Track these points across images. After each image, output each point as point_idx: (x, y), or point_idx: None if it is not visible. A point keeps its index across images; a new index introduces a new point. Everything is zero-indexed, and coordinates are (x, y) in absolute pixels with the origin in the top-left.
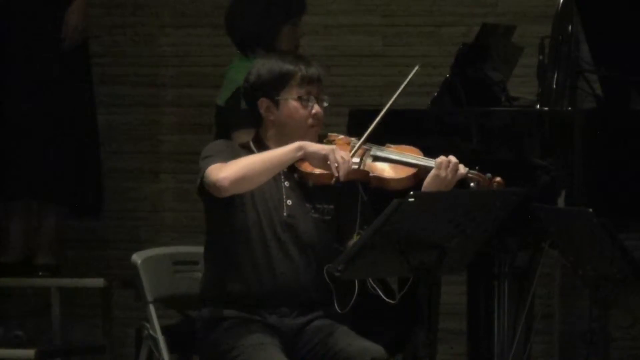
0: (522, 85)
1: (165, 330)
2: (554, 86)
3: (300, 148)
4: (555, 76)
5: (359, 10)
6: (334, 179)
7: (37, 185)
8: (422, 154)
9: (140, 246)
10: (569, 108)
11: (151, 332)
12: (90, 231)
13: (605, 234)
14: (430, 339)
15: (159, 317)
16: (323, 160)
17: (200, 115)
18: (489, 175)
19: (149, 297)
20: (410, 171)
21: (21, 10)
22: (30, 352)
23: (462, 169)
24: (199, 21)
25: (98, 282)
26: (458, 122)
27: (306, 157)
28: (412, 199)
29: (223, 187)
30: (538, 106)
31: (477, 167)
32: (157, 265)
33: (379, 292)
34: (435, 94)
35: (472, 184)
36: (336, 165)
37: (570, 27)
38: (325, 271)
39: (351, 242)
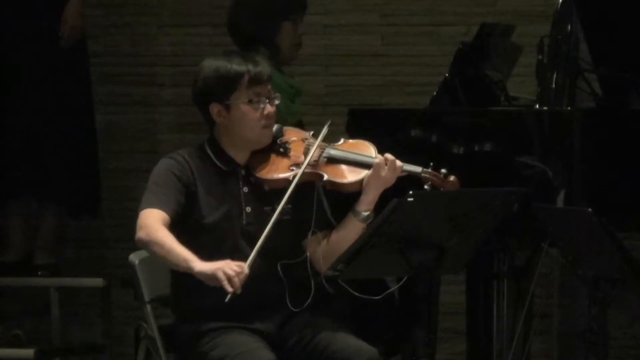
0: (522, 85)
1: (162, 329)
2: (553, 86)
3: (189, 268)
4: (555, 76)
5: (358, 9)
6: (227, 297)
7: (36, 184)
8: (375, 149)
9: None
10: (568, 107)
11: (149, 331)
12: (89, 231)
13: (604, 234)
14: (429, 339)
15: (157, 316)
16: (212, 279)
17: (198, 115)
18: (443, 171)
19: (147, 297)
20: (363, 173)
21: (19, 10)
22: (30, 352)
23: (399, 164)
24: (198, 21)
25: (97, 281)
26: (457, 121)
27: (196, 276)
28: (412, 199)
29: (137, 237)
30: (537, 106)
31: (432, 164)
32: (154, 265)
33: (348, 288)
34: (434, 94)
35: (426, 186)
36: (228, 281)
37: (569, 27)
38: (279, 267)
39: (306, 241)
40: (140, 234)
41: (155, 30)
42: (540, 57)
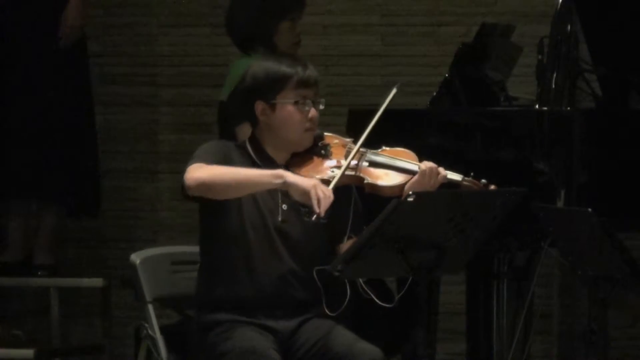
0: (522, 85)
1: (163, 330)
2: (553, 86)
3: (280, 177)
4: (555, 76)
5: (358, 9)
6: (314, 216)
7: (36, 184)
8: (416, 157)
9: (139, 246)
10: (568, 108)
11: (150, 331)
12: (89, 231)
13: (604, 234)
14: (429, 339)
15: (158, 316)
16: (303, 194)
17: (198, 115)
18: (483, 181)
19: (148, 297)
20: (404, 178)
21: (19, 9)
22: (30, 352)
23: (443, 173)
24: (198, 21)
25: (97, 281)
26: (457, 121)
27: (285, 187)
28: (412, 199)
29: (189, 185)
30: (537, 106)
31: (472, 174)
32: (155, 265)
33: (372, 296)
34: (435, 94)
35: None
36: (317, 201)
37: (569, 27)
38: (315, 273)
39: (342, 246)
40: (197, 173)
41: (155, 31)
42: (540, 57)
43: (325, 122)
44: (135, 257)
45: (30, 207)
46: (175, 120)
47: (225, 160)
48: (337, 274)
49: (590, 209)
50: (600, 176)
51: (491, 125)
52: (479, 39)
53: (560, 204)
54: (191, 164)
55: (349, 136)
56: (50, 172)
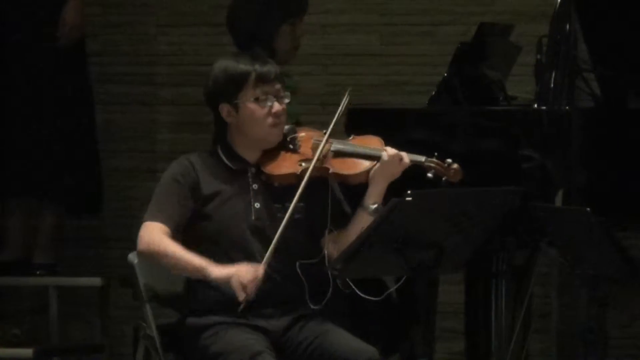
0: (520, 85)
1: (161, 329)
2: (552, 85)
3: (204, 275)
4: (553, 75)
5: (357, 9)
6: (241, 307)
7: (36, 183)
8: (382, 142)
9: None
10: (567, 107)
11: (148, 331)
12: (88, 230)
13: (603, 233)
14: (427, 338)
15: (157, 316)
16: (227, 285)
17: (197, 114)
18: (448, 161)
19: (146, 297)
20: (368, 165)
21: (18, 9)
22: (28, 351)
23: (406, 158)
24: (197, 20)
25: (96, 281)
26: (456, 121)
27: (215, 281)
28: (410, 198)
29: (139, 250)
30: (536, 105)
31: (435, 154)
32: (153, 265)
33: (355, 289)
34: (433, 93)
35: (429, 174)
36: (240, 290)
37: (568, 26)
38: (297, 266)
39: (323, 240)
40: (142, 247)
41: (154, 30)
42: (539, 56)
43: (325, 121)
44: (133, 257)
45: (29, 207)
46: (174, 119)
47: (188, 188)
48: (335, 273)
49: (589, 209)
50: (599, 176)
51: (490, 125)
52: (477, 39)
53: (558, 203)
54: (150, 215)
55: (348, 136)
56: (50, 171)
